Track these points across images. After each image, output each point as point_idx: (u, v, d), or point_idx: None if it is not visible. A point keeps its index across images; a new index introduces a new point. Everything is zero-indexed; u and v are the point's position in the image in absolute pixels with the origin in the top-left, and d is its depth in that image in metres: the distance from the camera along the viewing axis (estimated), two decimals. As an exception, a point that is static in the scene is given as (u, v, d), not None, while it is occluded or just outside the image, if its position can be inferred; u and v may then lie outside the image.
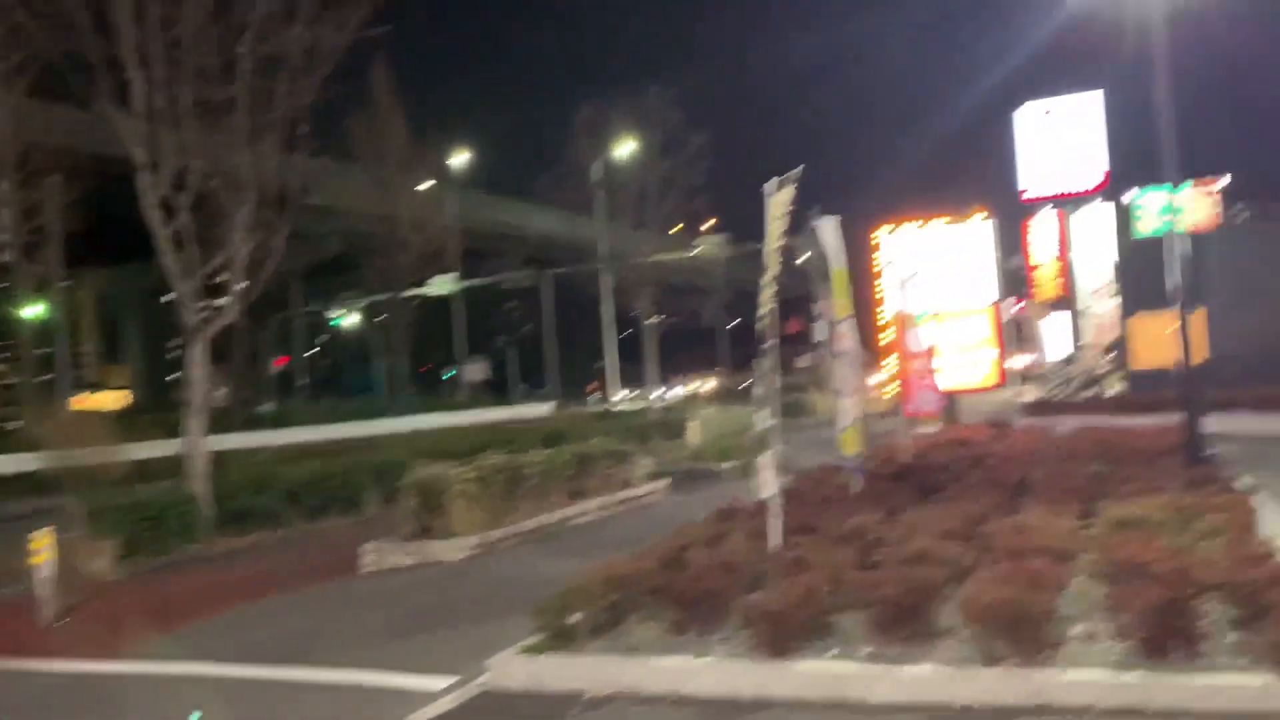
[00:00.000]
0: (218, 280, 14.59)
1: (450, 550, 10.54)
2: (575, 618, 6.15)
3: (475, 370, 44.02)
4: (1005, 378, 18.36)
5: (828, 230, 9.62)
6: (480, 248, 52.20)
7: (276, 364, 51.87)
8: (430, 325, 45.41)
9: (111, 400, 49.21)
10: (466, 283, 44.58)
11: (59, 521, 10.77)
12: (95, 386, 54.88)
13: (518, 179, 50.24)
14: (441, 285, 41.61)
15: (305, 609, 9.13)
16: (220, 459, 15.74)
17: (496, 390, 48.98)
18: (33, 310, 30.53)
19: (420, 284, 40.96)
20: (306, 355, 56.52)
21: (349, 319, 59.25)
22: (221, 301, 14.33)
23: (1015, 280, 39.98)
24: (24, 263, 25.34)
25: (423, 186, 39.11)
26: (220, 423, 25.16)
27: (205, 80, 13.43)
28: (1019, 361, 41.38)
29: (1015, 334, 41.92)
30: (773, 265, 7.62)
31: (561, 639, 6.07)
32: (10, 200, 23.17)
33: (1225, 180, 38.88)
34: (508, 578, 9.45)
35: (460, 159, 47.02)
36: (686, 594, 6.07)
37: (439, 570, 10.20)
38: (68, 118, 24.77)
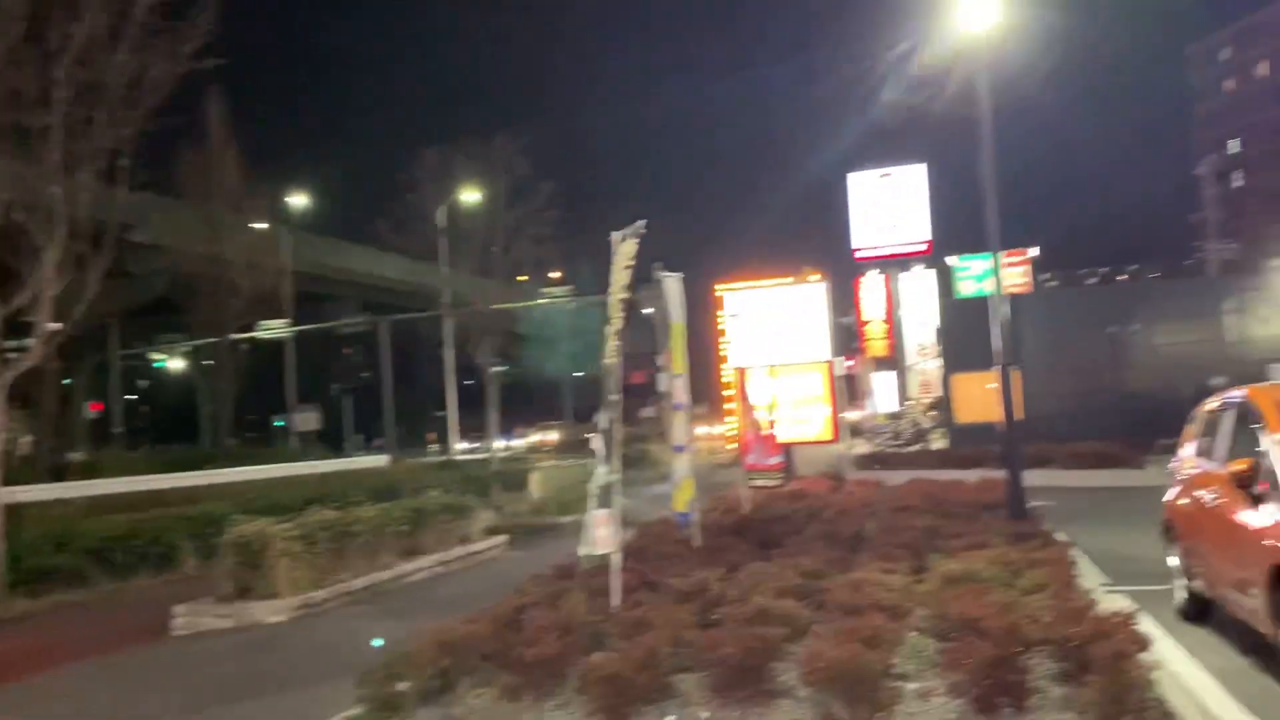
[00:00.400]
0: (26, 319, 13.52)
1: (271, 612, 9.91)
2: (403, 685, 5.80)
3: (307, 419, 42.30)
4: (839, 431, 18.82)
5: (671, 286, 9.67)
6: (317, 291, 50.63)
7: (91, 409, 48.59)
8: (261, 371, 43.59)
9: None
10: (300, 328, 43.11)
11: None
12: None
13: (358, 223, 49.12)
14: (273, 330, 40.10)
15: (107, 679, 8.37)
16: (20, 512, 14.47)
17: (331, 440, 47.26)
18: None
19: (250, 328, 39.30)
20: (125, 401, 53.26)
21: (173, 363, 56.36)
22: (27, 342, 13.25)
23: (848, 336, 41.52)
24: None
25: (257, 227, 37.66)
26: (24, 472, 23.29)
27: (17, 104, 12.51)
28: (851, 415, 42.84)
29: (848, 389, 43.39)
30: (616, 317, 7.56)
31: (388, 709, 5.70)
32: None
33: (1035, 251, 41.74)
34: (332, 641, 8.94)
35: (299, 200, 45.67)
36: (522, 658, 5.81)
37: (258, 634, 9.57)
38: None
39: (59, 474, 26.67)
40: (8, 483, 13.80)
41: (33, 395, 32.33)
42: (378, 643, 5.77)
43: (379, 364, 47.75)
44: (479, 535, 14.38)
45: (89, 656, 9.17)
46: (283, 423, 46.91)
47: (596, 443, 7.51)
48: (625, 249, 7.58)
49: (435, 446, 52.07)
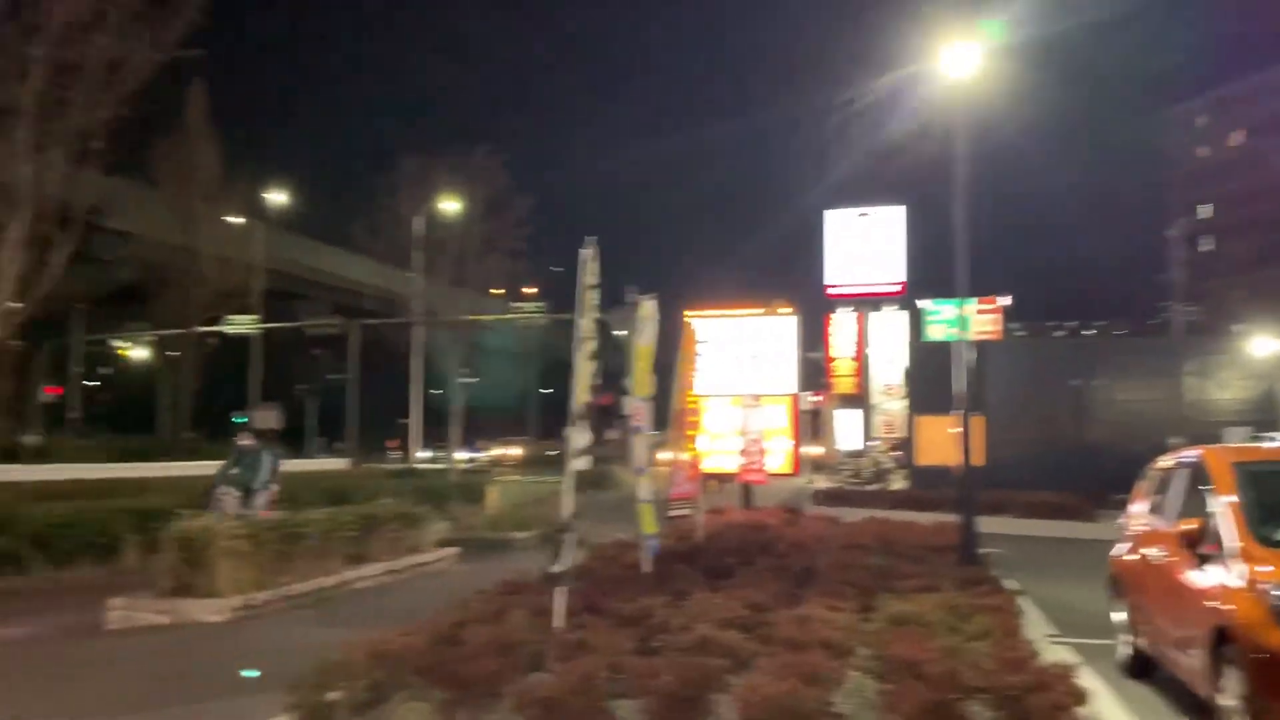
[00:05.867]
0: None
1: (210, 611, 9.71)
2: (334, 695, 5.68)
3: (267, 417, 41.71)
4: (800, 465, 18.83)
5: (645, 308, 9.66)
6: (287, 290, 50.25)
7: (48, 393, 47.81)
8: (226, 366, 43.13)
9: None
10: (267, 325, 42.70)
11: None
12: None
13: (333, 224, 48.81)
14: (240, 325, 39.71)
15: (29, 670, 8.15)
16: (-38, 493, 14.18)
17: (291, 440, 46.72)
18: None
19: (218, 322, 38.91)
20: (85, 387, 52.46)
21: (136, 352, 55.61)
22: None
23: (816, 372, 41.65)
24: None
25: (230, 220, 37.38)
26: (-29, 453, 22.87)
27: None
28: (814, 450, 43.00)
29: (812, 424, 43.58)
30: (588, 333, 7.47)
31: (316, 719, 5.58)
32: None
33: (1007, 300, 42.16)
34: (269, 645, 8.76)
35: (275, 197, 45.38)
36: (458, 675, 5.71)
37: (194, 633, 9.37)
38: None
39: (10, 456, 26.22)
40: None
41: (-11, 375, 31.84)
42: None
43: (347, 367, 47.35)
44: (430, 546, 14.22)
45: (22, 646, 8.95)
46: (244, 419, 46.43)
47: (569, 463, 7.30)
48: (591, 267, 7.53)
49: (397, 454, 51.66)
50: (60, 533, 12.98)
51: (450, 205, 38.29)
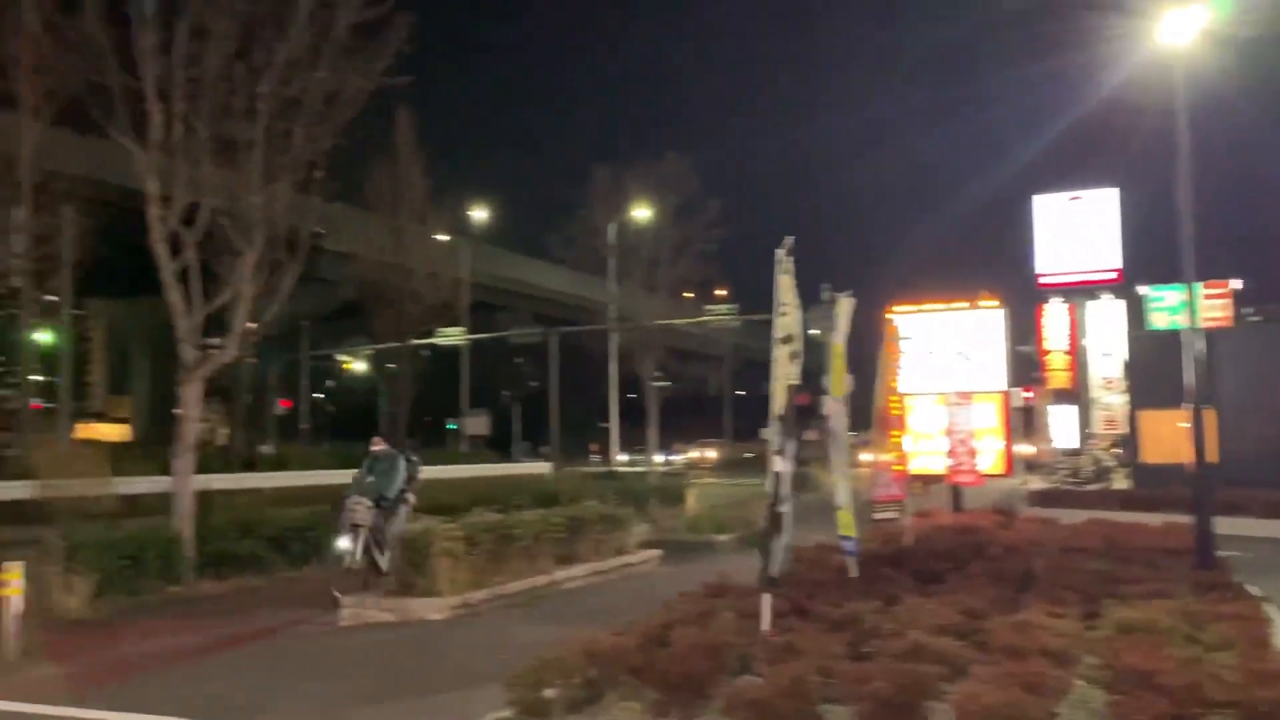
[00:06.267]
0: (226, 318, 14.46)
1: (431, 609, 10.22)
2: (550, 692, 5.86)
3: (477, 424, 43.77)
4: (1012, 465, 18.00)
5: (842, 306, 9.52)
6: (490, 301, 52.37)
7: (281, 405, 51.67)
8: (437, 376, 45.32)
9: (114, 432, 49.09)
10: (475, 336, 44.60)
11: (36, 553, 10.54)
12: (99, 416, 54.89)
13: (530, 236, 50.61)
14: (450, 337, 41.63)
15: (275, 663, 8.81)
16: (212, 499, 15.46)
17: (498, 445, 48.65)
18: (41, 337, 30.55)
19: (429, 334, 40.91)
20: (312, 399, 56.36)
21: (357, 365, 59.32)
22: (221, 340, 14.18)
23: (1026, 366, 39.80)
24: (34, 289, 25.16)
25: (438, 238, 39.25)
26: (217, 462, 24.98)
27: (224, 117, 13.44)
28: (1026, 449, 41.11)
29: (1023, 422, 41.65)
30: (792, 330, 7.39)
31: (535, 714, 5.78)
32: (25, 226, 23.00)
33: (1237, 283, 38.80)
34: (487, 643, 9.14)
35: (476, 213, 47.39)
36: (668, 675, 5.78)
37: (417, 630, 9.88)
38: (90, 147, 25.07)
39: (250, 465, 28.47)
40: (202, 471, 14.77)
41: (230, 390, 34.75)
42: None
43: (547, 374, 48.87)
44: (633, 547, 14.43)
45: (266, 639, 9.71)
46: (455, 426, 48.67)
47: (775, 465, 7.23)
48: (787, 265, 7.46)
49: (597, 457, 52.87)
50: (296, 535, 13.97)
51: (641, 212, 38.90)
